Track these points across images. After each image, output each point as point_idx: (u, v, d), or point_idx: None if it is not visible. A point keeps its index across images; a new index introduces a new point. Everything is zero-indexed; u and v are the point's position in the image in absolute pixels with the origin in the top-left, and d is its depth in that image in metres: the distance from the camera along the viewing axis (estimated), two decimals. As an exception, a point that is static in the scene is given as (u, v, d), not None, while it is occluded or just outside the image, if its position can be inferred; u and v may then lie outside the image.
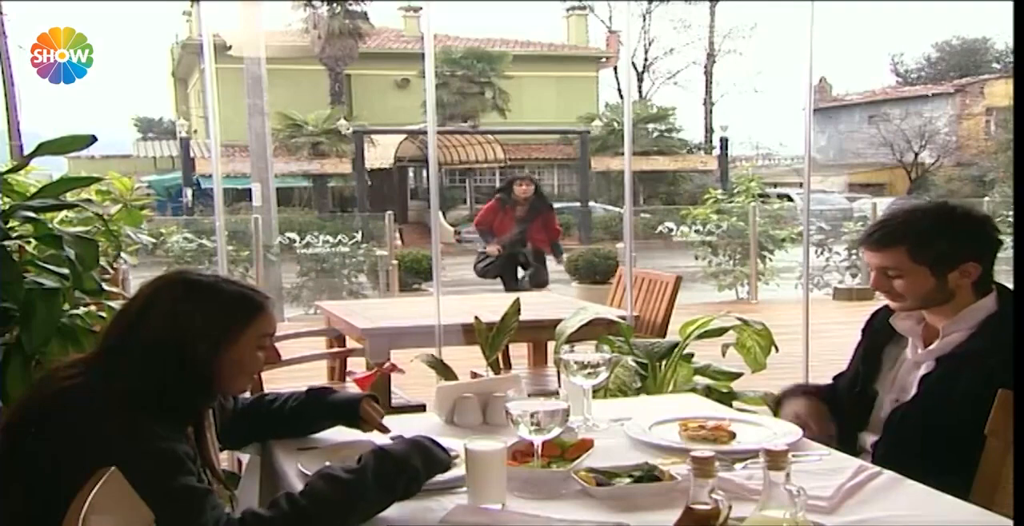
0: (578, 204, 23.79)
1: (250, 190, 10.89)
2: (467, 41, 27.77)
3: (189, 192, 22.04)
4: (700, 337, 3.34)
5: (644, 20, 33.71)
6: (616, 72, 32.20)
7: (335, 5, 24.72)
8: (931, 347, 2.14)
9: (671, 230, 11.42)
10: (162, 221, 11.93)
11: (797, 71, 4.20)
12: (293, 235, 9.94)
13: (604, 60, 30.14)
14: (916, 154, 29.96)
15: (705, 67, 33.99)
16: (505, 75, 25.77)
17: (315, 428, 2.07)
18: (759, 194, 11.00)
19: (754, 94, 43.69)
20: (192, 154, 22.56)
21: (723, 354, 3.46)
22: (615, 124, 25.19)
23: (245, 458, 2.23)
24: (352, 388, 2.74)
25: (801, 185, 28.01)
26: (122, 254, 3.41)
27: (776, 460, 1.34)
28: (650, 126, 26.50)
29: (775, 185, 22.53)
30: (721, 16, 34.14)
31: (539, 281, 8.08)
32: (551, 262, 8.45)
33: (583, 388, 2.13)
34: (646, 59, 34.51)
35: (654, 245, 12.74)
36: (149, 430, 1.58)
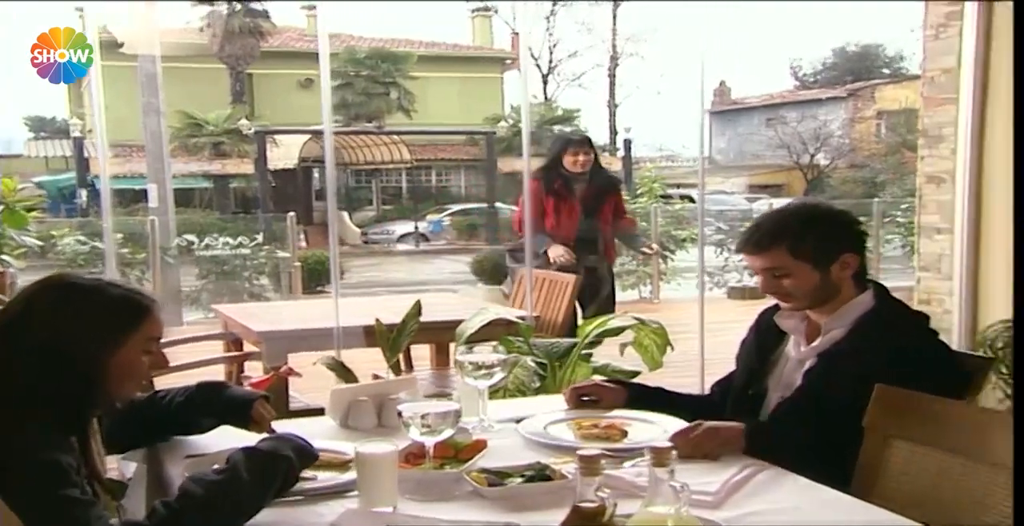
0: (485, 205, 23.85)
1: (147, 191, 10.62)
2: (372, 41, 27.57)
3: (84, 193, 21.34)
4: (599, 336, 3.38)
5: (548, 22, 34.01)
6: (521, 73, 32.36)
7: (234, 3, 24.28)
8: (813, 344, 2.21)
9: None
10: (54, 223, 11.54)
11: (698, 74, 4.29)
12: (192, 237, 9.72)
13: (509, 61, 30.26)
14: (812, 156, 30.83)
15: (609, 69, 34.44)
16: (410, 75, 25.66)
17: (204, 426, 2.02)
18: (662, 195, 11.19)
19: (657, 96, 44.11)
20: (86, 154, 21.84)
21: (621, 353, 3.51)
22: (520, 126, 25.33)
23: (131, 468, 2.17)
24: (249, 391, 2.69)
25: (703, 186, 28.61)
26: (5, 257, 3.29)
27: (660, 457, 1.37)
28: (556, 127, 26.70)
29: (678, 186, 22.91)
30: (623, 19, 34.64)
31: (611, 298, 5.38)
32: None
33: (479, 389, 2.14)
34: (551, 61, 34.82)
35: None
36: (30, 439, 1.53)
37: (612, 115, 33.66)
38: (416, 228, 25.13)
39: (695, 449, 1.91)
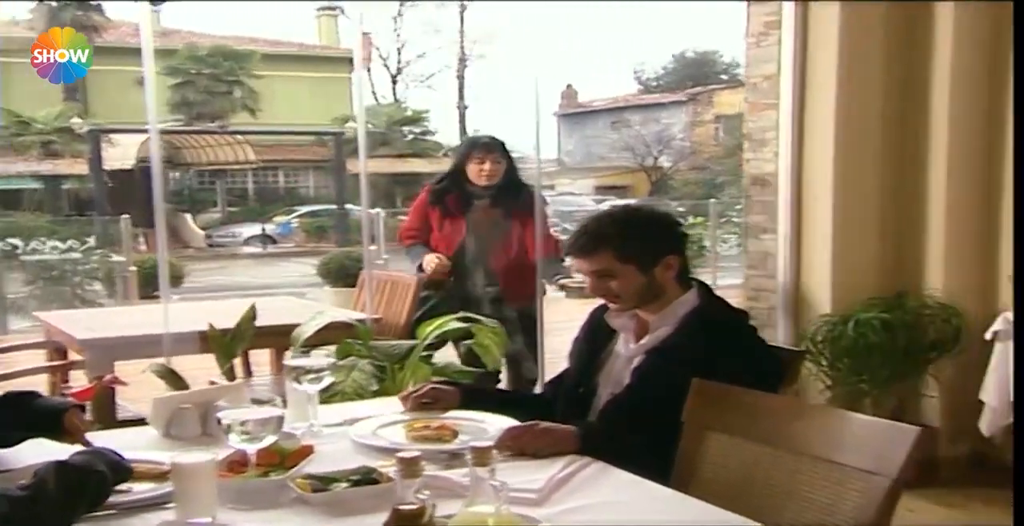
0: (335, 206, 23.53)
1: (-33, 192, 9.99)
2: (213, 38, 26.76)
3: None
4: (438, 338, 3.38)
5: (395, 22, 33.85)
6: (370, 73, 32.13)
7: (62, -4, 23.19)
8: (642, 342, 2.27)
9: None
10: None
11: (547, 77, 4.36)
12: (16, 241, 9.19)
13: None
14: (656, 158, 31.79)
15: (457, 71, 34.55)
16: (255, 74, 25.05)
17: (12, 438, 1.91)
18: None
19: (507, 98, 44.58)
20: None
21: (459, 353, 3.53)
22: (370, 126, 25.09)
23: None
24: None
25: (552, 187, 29.13)
26: None
27: (481, 456, 1.38)
28: (405, 128, 26.62)
29: (528, 187, 23.14)
30: (471, 21, 34.81)
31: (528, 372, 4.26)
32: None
33: (308, 393, 2.11)
34: (399, 62, 34.66)
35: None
36: None
37: (462, 117, 33.79)
38: (263, 230, 24.57)
39: (526, 448, 1.93)
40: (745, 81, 4.39)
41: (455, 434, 2.03)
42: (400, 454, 1.37)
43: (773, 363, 2.22)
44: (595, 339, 2.40)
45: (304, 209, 25.75)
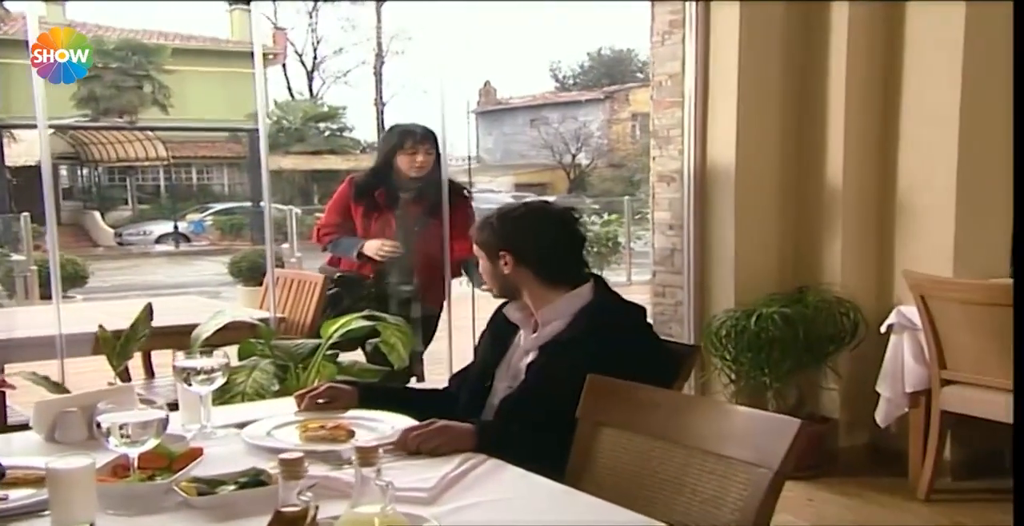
0: (249, 204, 23.13)
1: None
2: (122, 32, 26.05)
3: None
4: (342, 337, 3.34)
5: (311, 18, 33.41)
6: (285, 69, 31.69)
7: (-38, -14, 22.32)
8: (535, 335, 2.28)
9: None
10: None
11: (464, 74, 4.35)
12: (-97, 241, 8.85)
13: (271, 57, 29.48)
14: (574, 156, 31.99)
15: (375, 67, 34.25)
16: (165, 69, 24.46)
17: None
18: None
19: (424, 95, 44.31)
20: None
21: (365, 352, 3.50)
22: (285, 122, 24.77)
23: None
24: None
25: (472, 184, 29.16)
26: None
27: (365, 456, 1.36)
28: (321, 125, 26.30)
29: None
30: (388, 18, 34.56)
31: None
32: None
33: (200, 395, 2.06)
34: (315, 58, 34.23)
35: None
36: None
37: (380, 113, 33.51)
38: (176, 228, 24.04)
39: (422, 446, 1.92)
40: (651, 80, 4.45)
41: (350, 434, 2.01)
42: (282, 455, 1.35)
43: (666, 358, 2.25)
44: (498, 333, 2.41)
45: (218, 207, 25.27)
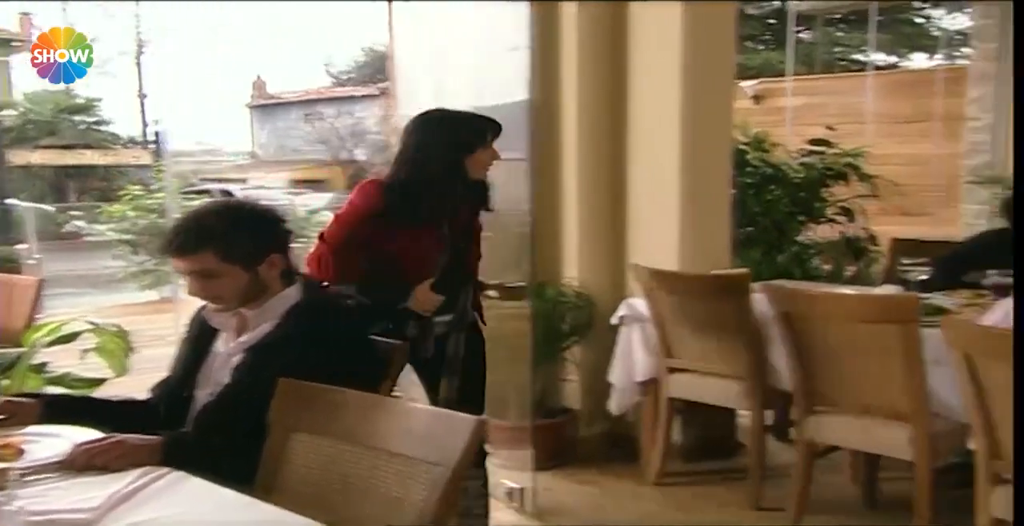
0: (-10, 200, 21.41)
1: None
2: None
3: None
4: (51, 344, 3.12)
5: (61, 3, 31.26)
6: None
7: None
8: (241, 339, 2.20)
9: (80, 229, 10.79)
10: None
11: (236, 66, 4.14)
12: None
13: (17, 44, 27.38)
14: (351, 152, 31.62)
15: (135, 57, 32.49)
16: None
17: None
18: (198, 190, 10.82)
19: (193, 88, 42.51)
20: None
21: (81, 359, 3.28)
22: (34, 114, 23.08)
23: None
24: None
25: (245, 181, 28.22)
26: None
27: (-6, 479, 1.25)
28: (76, 117, 24.66)
29: (219, 180, 22.35)
30: (151, 7, 32.87)
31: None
32: None
33: None
34: (70, 45, 32.04)
35: (69, 246, 11.92)
36: None
37: (143, 106, 31.83)
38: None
39: (96, 462, 1.80)
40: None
41: (20, 452, 1.85)
42: None
43: (374, 357, 2.22)
44: (199, 338, 2.29)
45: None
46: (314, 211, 13.92)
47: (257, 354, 2.15)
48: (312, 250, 2.93)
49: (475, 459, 2.54)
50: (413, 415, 1.73)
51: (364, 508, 1.69)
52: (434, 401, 2.96)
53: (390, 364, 2.26)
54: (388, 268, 2.89)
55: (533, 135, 3.90)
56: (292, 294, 2.22)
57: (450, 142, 2.92)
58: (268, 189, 26.90)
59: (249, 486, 1.79)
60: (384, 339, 2.33)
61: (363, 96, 32.85)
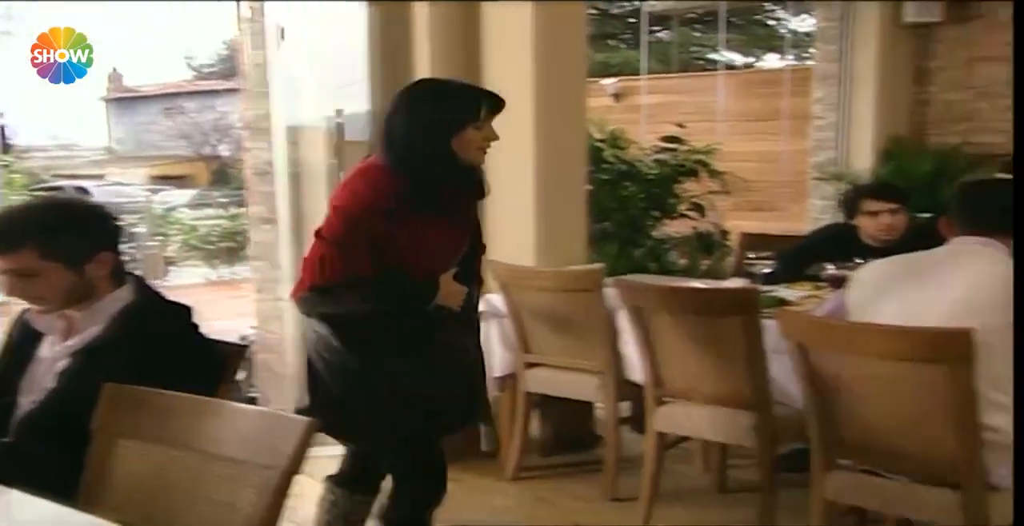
0: None
1: None
2: None
3: None
4: None
5: None
6: None
7: None
8: (68, 342, 2.11)
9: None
10: None
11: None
12: None
13: None
14: (214, 147, 30.79)
15: (-21, 47, 30.85)
16: None
17: None
18: (51, 187, 10.33)
19: (41, 80, 40.53)
20: None
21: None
22: None
23: None
24: None
25: (102, 177, 27.09)
26: None
27: None
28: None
29: (74, 177, 21.49)
30: (-5, -8, 31.26)
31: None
32: None
33: None
34: None
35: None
36: None
37: (-12, 100, 30.22)
38: None
39: None
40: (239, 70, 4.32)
41: None
42: None
43: (210, 359, 2.16)
44: (21, 342, 2.18)
45: None
46: (172, 208, 13.47)
47: (85, 358, 2.06)
48: (309, 250, 2.55)
49: None
50: (244, 417, 1.68)
51: (193, 515, 1.63)
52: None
53: (226, 366, 2.20)
54: (405, 264, 2.49)
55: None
56: (123, 295, 2.14)
57: (435, 119, 2.52)
58: (125, 185, 26.00)
59: (75, 498, 1.71)
60: (224, 341, 2.27)
61: (226, 90, 32.02)
